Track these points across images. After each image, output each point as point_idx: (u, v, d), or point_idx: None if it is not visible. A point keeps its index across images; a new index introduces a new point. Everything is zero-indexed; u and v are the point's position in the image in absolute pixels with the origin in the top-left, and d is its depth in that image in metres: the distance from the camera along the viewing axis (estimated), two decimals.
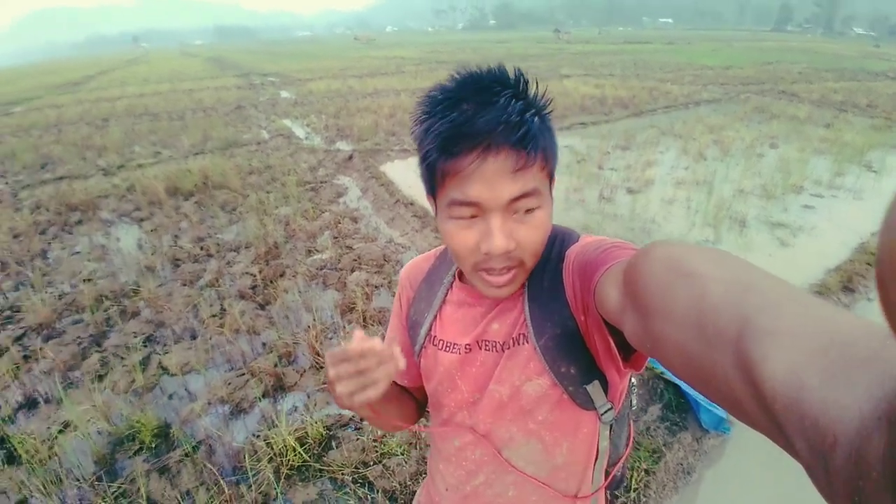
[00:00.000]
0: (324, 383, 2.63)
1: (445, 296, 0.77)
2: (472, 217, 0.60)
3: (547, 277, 0.68)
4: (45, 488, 2.04)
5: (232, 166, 6.63)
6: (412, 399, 0.87)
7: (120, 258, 4.31)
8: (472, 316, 0.74)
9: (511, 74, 0.61)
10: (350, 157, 6.87)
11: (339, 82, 15.75)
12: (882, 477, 0.19)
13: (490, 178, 0.57)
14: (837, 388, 0.23)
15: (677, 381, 2.35)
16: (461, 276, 0.77)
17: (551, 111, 0.63)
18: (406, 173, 6.15)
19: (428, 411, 0.87)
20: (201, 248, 4.37)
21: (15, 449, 2.22)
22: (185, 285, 3.76)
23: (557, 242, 0.71)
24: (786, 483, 1.93)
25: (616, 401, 0.72)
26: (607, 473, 0.79)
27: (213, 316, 3.29)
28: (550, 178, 0.64)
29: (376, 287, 3.56)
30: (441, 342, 0.76)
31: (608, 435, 0.75)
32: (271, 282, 3.69)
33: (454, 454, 0.77)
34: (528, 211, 0.60)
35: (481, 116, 0.56)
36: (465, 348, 0.73)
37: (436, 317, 0.77)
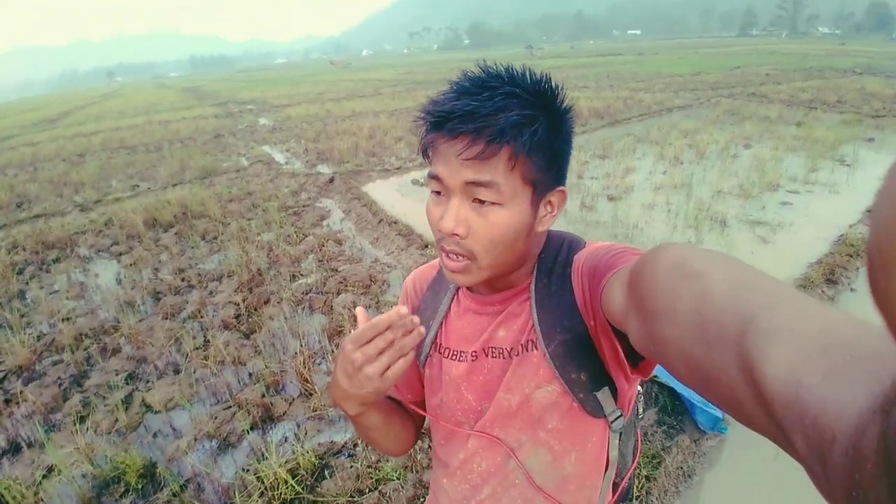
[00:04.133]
0: (314, 410, 2.57)
1: (450, 303, 0.77)
2: (441, 194, 0.63)
3: (554, 282, 0.68)
4: None
5: (211, 195, 6.56)
6: (410, 418, 0.84)
7: (99, 295, 4.21)
8: (478, 323, 0.73)
9: (528, 77, 0.62)
10: (331, 180, 6.85)
11: (317, 106, 15.80)
12: (876, 466, 0.19)
13: (449, 158, 0.59)
14: (837, 387, 0.24)
15: (672, 384, 2.34)
16: None
17: (571, 122, 0.64)
18: (388, 192, 6.15)
19: (424, 432, 0.85)
20: (182, 280, 4.29)
21: (1, 495, 2.11)
22: (166, 318, 3.67)
23: (565, 248, 0.71)
24: (787, 481, 1.91)
25: (625, 408, 0.71)
26: (616, 485, 0.77)
27: (197, 349, 3.21)
28: (533, 185, 0.61)
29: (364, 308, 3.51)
30: (447, 350, 0.75)
31: (617, 444, 0.73)
32: (255, 309, 3.62)
33: (459, 468, 0.75)
34: (488, 203, 0.60)
35: (460, 101, 0.58)
36: (472, 356, 0.72)
37: (441, 325, 0.76)
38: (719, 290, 0.35)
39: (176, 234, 5.46)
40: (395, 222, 4.93)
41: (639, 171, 6.37)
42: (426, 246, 4.39)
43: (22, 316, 3.86)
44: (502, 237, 0.61)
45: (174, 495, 2.10)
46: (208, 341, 3.26)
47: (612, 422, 0.69)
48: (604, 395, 0.67)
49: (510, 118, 0.57)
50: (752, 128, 8.25)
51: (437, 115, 0.60)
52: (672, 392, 2.36)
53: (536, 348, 0.67)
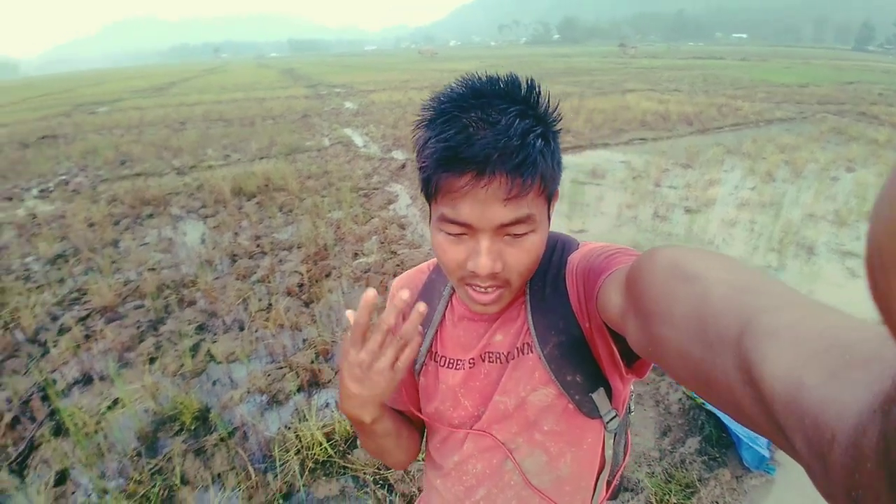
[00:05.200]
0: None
1: (445, 311, 0.75)
2: (462, 234, 0.59)
3: (549, 285, 0.67)
4: (87, 460, 2.18)
5: (293, 170, 6.93)
6: (414, 425, 0.83)
7: (183, 251, 4.59)
8: (474, 330, 0.72)
9: (523, 85, 0.58)
10: (403, 166, 7.00)
11: (401, 94, 16.17)
12: (876, 466, 0.19)
13: (482, 202, 0.55)
14: (836, 388, 0.23)
15: (719, 415, 2.20)
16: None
17: (560, 129, 0.61)
18: None
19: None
20: (257, 246, 4.58)
21: (64, 422, 2.39)
22: (238, 279, 3.95)
23: (558, 249, 0.70)
24: None
25: (620, 408, 0.69)
26: (609, 484, 0.76)
27: (261, 310, 3.43)
28: (549, 199, 0.61)
29: None
30: (443, 359, 0.74)
31: (612, 444, 0.72)
32: (317, 281, 3.80)
33: (453, 469, 0.75)
34: (520, 235, 0.58)
35: (480, 138, 0.53)
36: (470, 363, 0.71)
37: (436, 333, 0.75)
38: (718, 291, 0.35)
39: (257, 203, 5.83)
40: None
41: (724, 184, 5.97)
42: None
43: (112, 262, 4.30)
44: (536, 260, 0.61)
45: (221, 440, 2.27)
46: (272, 305, 3.48)
47: (607, 422, 0.68)
48: (599, 397, 0.66)
49: (536, 146, 0.55)
50: (858, 150, 7.46)
51: (462, 164, 0.54)
52: (719, 422, 2.23)
53: (532, 351, 0.67)
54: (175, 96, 19.46)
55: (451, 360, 0.73)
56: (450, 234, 0.59)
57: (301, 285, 3.78)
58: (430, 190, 0.59)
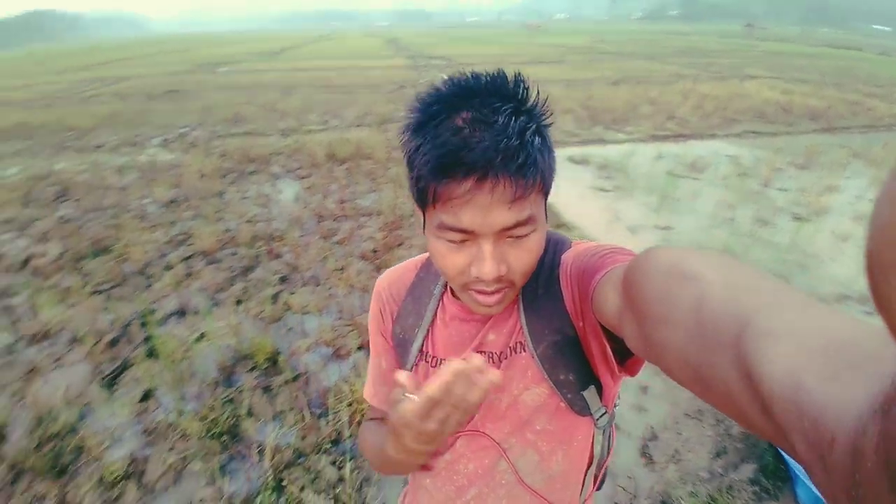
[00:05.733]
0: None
1: (436, 310, 0.74)
2: (463, 241, 0.57)
3: (541, 284, 0.67)
4: (171, 383, 2.50)
5: (382, 140, 7.17)
6: None
7: (277, 208, 4.97)
8: (466, 331, 0.71)
9: (510, 81, 0.57)
10: None
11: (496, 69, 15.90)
12: (875, 466, 0.19)
13: (485, 207, 0.53)
14: (836, 387, 0.24)
15: (780, 449, 2.05)
16: (453, 289, 0.73)
17: (551, 123, 0.59)
18: None
19: None
20: (341, 210, 4.85)
21: (156, 347, 2.74)
22: (321, 239, 4.22)
23: (550, 248, 0.69)
24: None
25: (609, 405, 0.70)
26: (595, 477, 0.77)
27: (336, 270, 3.66)
28: (546, 194, 0.61)
29: None
30: (435, 360, 0.73)
31: (601, 440, 0.73)
32: (389, 249, 3.97)
33: (444, 469, 0.75)
34: (522, 237, 0.58)
35: (479, 141, 0.51)
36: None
37: (428, 333, 0.74)
38: (716, 292, 0.35)
39: (346, 169, 6.13)
40: None
41: (843, 192, 5.32)
42: (560, 226, 4.31)
43: (216, 211, 4.77)
44: (537, 259, 0.61)
45: (286, 382, 2.50)
46: (346, 266, 3.69)
47: (597, 419, 0.69)
48: (590, 394, 0.66)
49: (535, 144, 0.54)
50: None
51: (464, 169, 0.52)
52: (777, 454, 2.07)
53: (525, 350, 0.67)
54: (287, 61, 20.68)
55: (443, 361, 0.71)
56: (450, 241, 0.57)
57: (375, 251, 3.97)
58: (427, 196, 0.56)
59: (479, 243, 0.57)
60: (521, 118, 0.54)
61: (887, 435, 0.19)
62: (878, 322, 0.19)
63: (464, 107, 0.54)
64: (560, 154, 5.59)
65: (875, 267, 0.16)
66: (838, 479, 0.22)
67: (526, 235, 0.57)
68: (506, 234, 0.57)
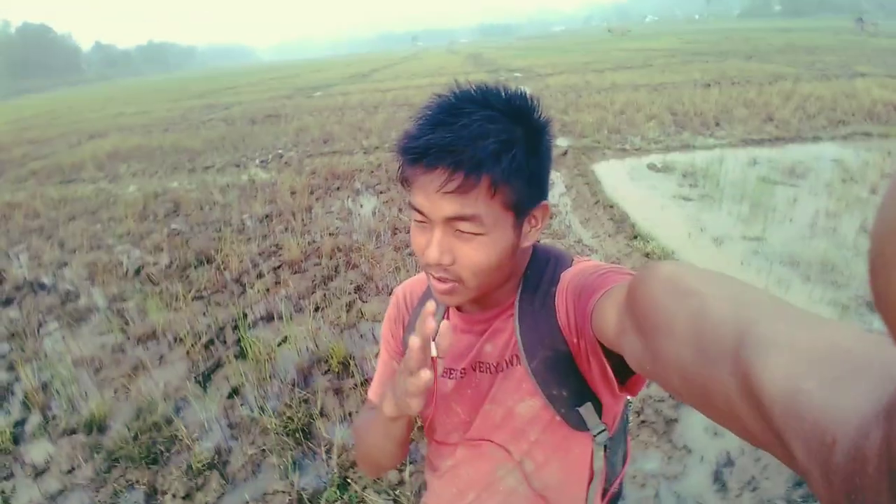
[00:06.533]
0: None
1: (442, 320, 0.78)
2: (424, 223, 0.64)
3: (538, 300, 0.69)
4: (256, 382, 2.74)
5: None
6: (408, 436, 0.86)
7: (357, 221, 5.27)
8: (466, 340, 0.75)
9: (503, 94, 0.62)
10: (564, 153, 6.87)
11: (578, 77, 15.62)
12: (877, 470, 0.19)
13: (429, 192, 0.60)
14: (836, 392, 0.24)
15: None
16: None
17: (549, 136, 0.63)
18: (617, 174, 5.89)
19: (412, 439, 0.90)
20: None
21: (246, 349, 3.01)
22: (395, 250, 4.41)
23: (551, 265, 0.71)
24: None
25: (610, 423, 0.71)
26: (605, 491, 0.77)
27: None
28: (515, 210, 0.63)
29: None
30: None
31: (603, 455, 0.73)
32: None
33: (447, 473, 0.80)
34: (469, 233, 0.61)
35: (429, 134, 0.59)
36: (461, 373, 0.76)
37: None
38: (716, 305, 0.36)
39: None
40: (612, 206, 4.75)
41: None
42: (635, 237, 4.15)
43: (304, 225, 5.16)
44: (487, 263, 0.63)
45: (356, 385, 2.66)
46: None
47: (595, 436, 0.69)
48: (586, 411, 0.67)
49: (487, 147, 0.58)
50: None
51: (412, 152, 0.61)
52: None
53: (519, 363, 0.70)
54: (374, 82, 21.75)
55: (446, 369, 0.76)
56: (416, 220, 0.65)
57: None
58: (404, 183, 0.66)
59: (433, 229, 0.62)
60: (495, 125, 0.59)
61: (891, 439, 0.19)
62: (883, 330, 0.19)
63: (444, 111, 0.61)
64: (639, 162, 5.37)
65: (878, 265, 0.16)
66: (839, 485, 0.22)
67: (473, 234, 0.61)
68: (452, 225, 0.61)
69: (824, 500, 0.23)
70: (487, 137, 0.58)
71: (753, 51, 20.99)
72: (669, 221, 4.59)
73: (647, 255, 3.84)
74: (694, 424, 2.29)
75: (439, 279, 0.65)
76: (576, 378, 0.67)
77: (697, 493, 1.98)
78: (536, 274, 0.71)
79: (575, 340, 0.64)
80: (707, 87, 11.62)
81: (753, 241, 4.06)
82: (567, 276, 0.68)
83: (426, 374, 0.57)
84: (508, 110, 0.61)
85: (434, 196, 0.60)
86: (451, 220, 0.61)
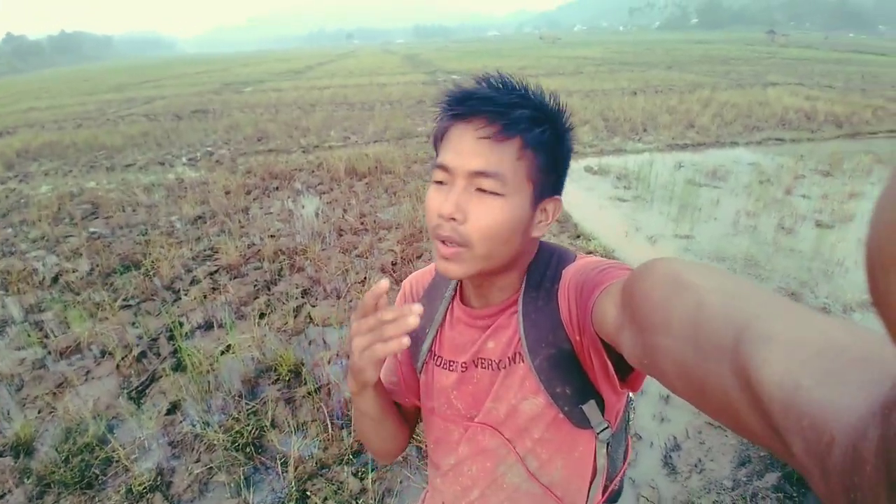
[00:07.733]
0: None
1: (446, 312, 0.78)
2: (444, 183, 0.64)
3: (542, 296, 0.69)
4: (197, 395, 2.57)
5: (401, 155, 7.27)
6: (405, 421, 0.86)
7: (300, 222, 5.08)
8: (468, 334, 0.75)
9: (519, 85, 0.66)
10: None
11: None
12: (875, 469, 0.19)
13: (463, 141, 0.62)
14: (834, 389, 0.24)
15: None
16: (462, 294, 0.78)
17: (571, 140, 0.68)
18: None
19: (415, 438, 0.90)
20: (361, 224, 4.93)
21: (183, 360, 2.82)
22: (342, 252, 4.30)
23: (554, 261, 0.71)
24: None
25: (613, 419, 0.72)
26: (606, 488, 0.79)
27: (357, 282, 3.73)
28: (535, 184, 0.64)
29: None
30: (440, 359, 0.77)
31: (605, 452, 0.74)
32: (409, 262, 4.02)
33: (450, 470, 0.79)
34: (490, 193, 0.62)
35: (476, 94, 0.63)
36: (462, 366, 0.75)
37: (437, 333, 0.78)
38: (713, 300, 0.36)
39: (366, 184, 6.23)
40: None
41: (869, 198, 5.20)
42: (578, 236, 4.31)
43: (241, 227, 4.91)
44: (499, 228, 0.62)
45: (309, 394, 2.55)
46: (367, 278, 3.76)
47: (598, 433, 0.70)
48: (590, 408, 0.67)
49: (524, 113, 0.61)
50: None
51: (455, 99, 0.64)
52: None
53: (522, 361, 0.69)
54: (309, 79, 21.14)
55: (447, 361, 0.76)
56: (436, 181, 0.65)
57: (394, 263, 4.03)
58: (436, 142, 0.68)
59: (452, 185, 0.63)
60: (525, 110, 0.62)
61: (888, 438, 0.19)
62: (879, 328, 0.20)
63: (491, 85, 0.65)
64: (577, 165, 5.60)
65: (876, 265, 0.16)
66: (836, 482, 0.22)
67: (491, 194, 0.62)
68: (474, 181, 0.62)
69: (823, 496, 0.23)
70: (525, 108, 0.62)
71: (673, 61, 22.52)
72: (607, 221, 4.82)
73: (589, 252, 3.99)
74: (643, 413, 2.41)
75: (445, 242, 0.63)
76: (579, 375, 0.67)
77: (649, 477, 2.08)
78: (540, 270, 0.71)
79: (577, 337, 0.64)
80: (634, 94, 12.32)
81: (684, 239, 4.35)
82: (569, 273, 0.68)
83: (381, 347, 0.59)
84: (542, 105, 0.64)
85: (465, 147, 0.62)
86: (474, 176, 0.62)
